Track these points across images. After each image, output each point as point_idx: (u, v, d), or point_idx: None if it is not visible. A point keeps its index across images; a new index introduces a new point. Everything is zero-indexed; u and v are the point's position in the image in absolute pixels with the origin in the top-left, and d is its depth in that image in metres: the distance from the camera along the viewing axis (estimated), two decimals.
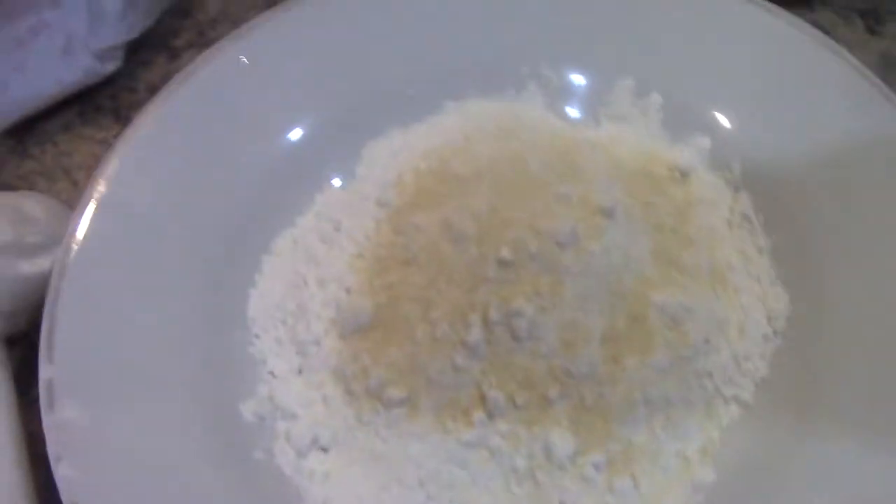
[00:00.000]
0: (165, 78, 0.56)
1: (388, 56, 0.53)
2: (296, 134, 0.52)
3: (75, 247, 0.45)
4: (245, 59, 0.52)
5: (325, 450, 0.44)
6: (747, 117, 0.51)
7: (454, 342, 0.42)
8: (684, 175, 0.50)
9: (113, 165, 0.48)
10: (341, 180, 0.52)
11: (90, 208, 0.46)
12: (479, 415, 0.42)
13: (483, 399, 0.42)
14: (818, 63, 0.50)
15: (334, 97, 0.53)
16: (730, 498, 0.41)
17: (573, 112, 0.54)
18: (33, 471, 0.45)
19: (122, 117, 0.59)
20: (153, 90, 0.59)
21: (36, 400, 0.41)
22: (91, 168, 0.56)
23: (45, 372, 0.41)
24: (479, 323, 0.42)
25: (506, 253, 0.42)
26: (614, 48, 0.53)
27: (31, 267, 0.46)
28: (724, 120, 0.51)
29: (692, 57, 0.52)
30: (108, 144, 0.57)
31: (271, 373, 0.46)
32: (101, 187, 0.47)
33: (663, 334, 0.43)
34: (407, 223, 0.46)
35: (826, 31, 0.58)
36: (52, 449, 0.40)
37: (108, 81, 0.61)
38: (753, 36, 0.52)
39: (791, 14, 0.51)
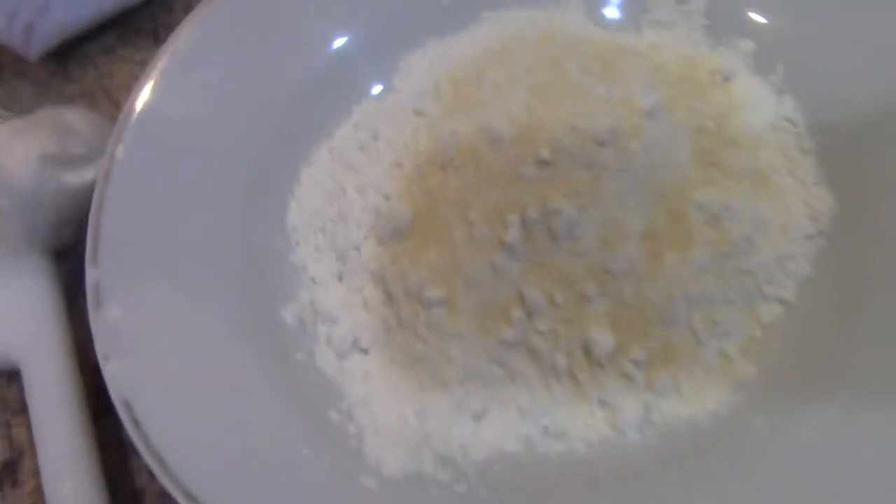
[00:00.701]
0: None
1: None
2: (332, 46, 0.52)
3: (119, 156, 0.46)
4: None
5: (365, 351, 0.44)
6: (791, 19, 0.49)
7: (493, 243, 0.42)
8: (727, 79, 0.49)
9: (154, 78, 0.48)
10: (379, 91, 0.52)
11: (132, 119, 0.47)
12: (518, 314, 0.42)
13: (522, 298, 0.42)
14: None
15: (371, 8, 0.53)
16: (770, 395, 0.41)
17: (614, 19, 0.53)
18: (84, 377, 0.46)
19: (161, 38, 0.59)
20: (191, 10, 0.60)
21: (84, 311, 0.42)
22: (131, 89, 0.57)
23: (91, 275, 0.42)
24: (518, 223, 0.42)
25: (544, 152, 0.42)
26: None
27: (75, 178, 0.47)
28: (767, 22, 0.50)
29: None
30: (147, 65, 0.58)
31: (312, 279, 0.47)
32: (142, 99, 0.47)
33: (703, 232, 0.42)
34: (444, 129, 0.46)
35: None
36: (99, 348, 0.41)
37: (147, 3, 0.61)
38: None
39: None
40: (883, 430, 0.37)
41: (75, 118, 0.49)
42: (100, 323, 0.41)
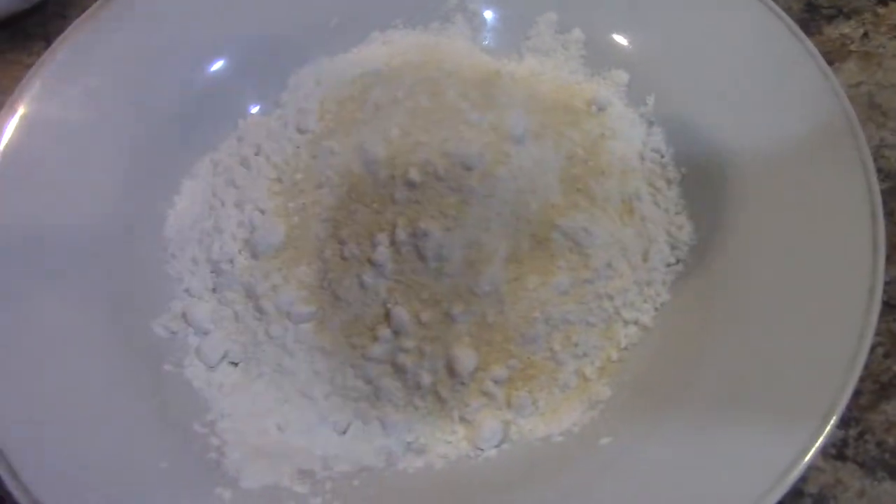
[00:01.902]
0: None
1: None
2: (222, 59, 0.52)
3: None
4: None
5: (234, 364, 0.45)
6: (664, 53, 0.52)
7: (362, 261, 0.43)
8: (601, 109, 0.51)
9: (35, 83, 0.48)
10: (265, 107, 0.53)
11: (8, 124, 0.46)
12: (384, 331, 0.43)
13: (388, 316, 0.43)
14: (735, 2, 0.50)
15: (262, 24, 0.53)
16: (620, 415, 0.42)
17: (497, 45, 0.55)
18: None
19: (52, 43, 0.59)
20: None
21: None
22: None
23: None
24: (386, 242, 0.43)
25: (413, 174, 0.43)
26: None
27: None
28: (641, 55, 0.52)
29: None
30: None
31: (186, 290, 0.47)
32: (20, 105, 0.47)
33: (566, 257, 0.44)
34: (322, 147, 0.47)
35: None
36: None
37: (39, 7, 0.60)
38: None
39: None
40: (721, 450, 0.39)
41: None
42: None
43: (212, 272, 0.47)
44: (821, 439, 0.37)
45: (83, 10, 0.59)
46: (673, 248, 0.47)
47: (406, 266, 0.43)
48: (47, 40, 0.60)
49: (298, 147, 0.49)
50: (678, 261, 0.47)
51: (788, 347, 0.41)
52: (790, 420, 0.39)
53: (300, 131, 0.50)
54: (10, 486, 0.37)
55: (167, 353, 0.45)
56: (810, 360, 0.40)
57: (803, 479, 0.42)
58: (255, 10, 0.53)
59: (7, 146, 0.46)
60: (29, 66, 0.57)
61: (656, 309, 0.46)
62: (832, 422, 0.38)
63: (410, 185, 0.43)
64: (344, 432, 0.43)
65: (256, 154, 0.50)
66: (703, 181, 0.48)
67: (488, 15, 0.55)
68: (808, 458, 0.37)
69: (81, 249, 0.45)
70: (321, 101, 0.51)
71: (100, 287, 0.45)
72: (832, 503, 0.43)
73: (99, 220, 0.46)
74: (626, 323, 0.45)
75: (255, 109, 0.53)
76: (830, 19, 0.58)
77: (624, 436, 0.41)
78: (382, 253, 0.43)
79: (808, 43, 0.48)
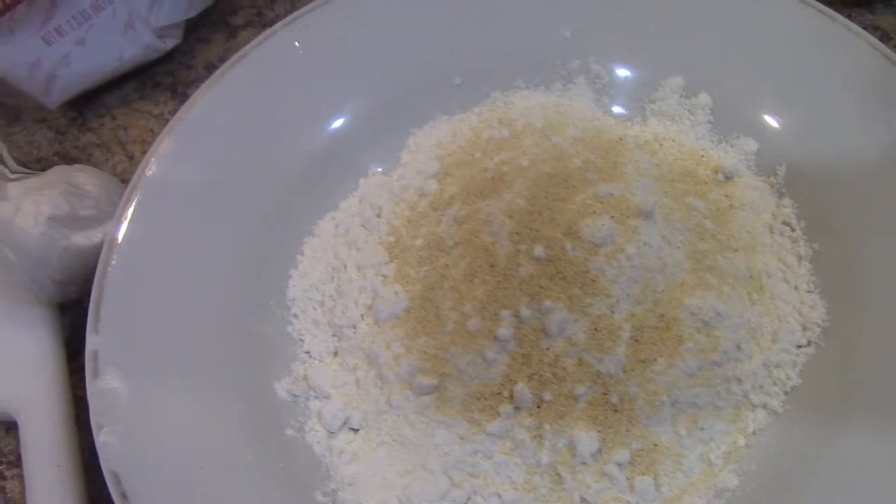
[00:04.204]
0: (223, 56, 0.57)
1: (438, 44, 0.54)
2: (344, 118, 0.53)
3: (125, 222, 0.47)
4: (298, 44, 0.53)
5: (354, 430, 0.45)
6: (795, 121, 0.50)
7: (485, 335, 0.43)
8: (728, 178, 0.50)
9: (165, 144, 0.49)
10: (385, 166, 0.53)
11: (142, 185, 0.48)
12: (505, 407, 0.43)
13: (510, 392, 0.43)
14: (870, 69, 0.49)
15: (383, 83, 0.54)
16: (750, 502, 0.41)
17: (621, 108, 0.54)
18: (80, 433, 0.47)
19: (179, 93, 0.61)
20: (210, 68, 0.61)
21: (83, 366, 0.43)
22: (146, 142, 0.58)
23: (91, 342, 0.43)
24: (511, 318, 0.43)
25: (539, 251, 0.43)
26: (665, 45, 0.53)
27: (83, 239, 0.48)
28: (771, 123, 0.51)
29: (743, 58, 0.52)
30: (163, 119, 0.59)
31: (307, 352, 0.47)
32: (153, 165, 0.49)
33: (694, 338, 0.43)
34: (446, 214, 0.47)
35: (887, 34, 0.58)
36: (94, 417, 0.42)
37: (167, 57, 0.62)
38: (806, 39, 0.51)
39: (846, 17, 0.50)
40: None
41: (86, 179, 0.50)
42: (96, 392, 0.42)
43: (333, 335, 0.47)
44: None
45: (208, 61, 0.61)
46: (804, 328, 0.46)
47: (530, 342, 0.43)
48: (174, 90, 0.62)
49: (419, 210, 0.49)
50: (809, 342, 0.45)
51: None
52: None
53: (421, 194, 0.50)
54: None
55: (289, 416, 0.45)
56: None
57: None
58: (377, 69, 0.54)
59: (139, 212, 0.47)
60: (156, 117, 0.59)
61: (786, 393, 0.44)
62: None
63: (536, 260, 0.43)
64: None
65: (378, 215, 0.50)
66: (837, 258, 0.47)
67: (611, 77, 0.54)
68: None
69: (208, 314, 0.46)
70: (442, 164, 0.51)
71: (225, 350, 0.45)
72: None
73: (227, 280, 0.47)
74: (754, 407, 0.44)
75: (376, 170, 0.53)
76: None
77: None
78: (506, 329, 0.42)
79: None
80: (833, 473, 0.41)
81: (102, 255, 0.46)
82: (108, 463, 0.40)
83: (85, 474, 0.46)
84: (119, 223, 0.47)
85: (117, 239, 0.46)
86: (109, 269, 0.45)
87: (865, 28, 0.53)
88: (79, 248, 0.48)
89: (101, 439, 0.41)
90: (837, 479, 0.41)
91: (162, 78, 0.62)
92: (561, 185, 0.46)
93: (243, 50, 0.52)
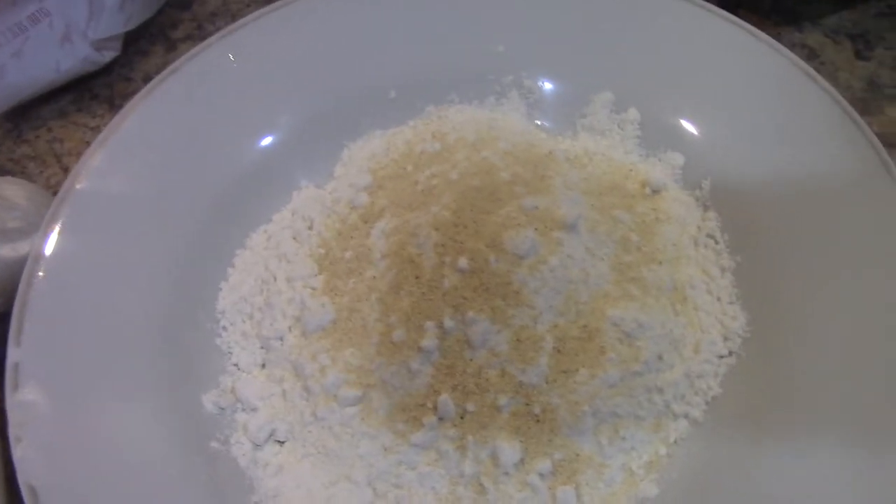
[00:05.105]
0: (162, 69, 0.57)
1: (374, 59, 0.55)
2: (278, 131, 0.53)
3: (52, 233, 0.46)
4: (232, 57, 0.53)
5: (280, 442, 0.45)
6: (721, 137, 0.51)
7: (409, 346, 0.43)
8: (655, 191, 0.51)
9: (96, 157, 0.49)
10: (319, 179, 0.53)
11: (69, 197, 0.47)
12: (429, 418, 0.43)
13: (434, 403, 0.43)
14: (795, 88, 0.50)
15: (317, 97, 0.54)
16: None
17: (552, 123, 0.55)
18: (3, 444, 0.47)
19: (117, 106, 0.61)
20: (149, 80, 0.61)
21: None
22: (82, 155, 0.58)
23: (12, 355, 0.43)
24: (435, 329, 0.43)
25: (463, 263, 0.43)
26: (596, 62, 0.54)
27: (10, 251, 0.48)
28: (698, 138, 0.51)
29: (672, 75, 0.52)
30: (100, 132, 0.58)
31: (236, 365, 0.47)
32: (82, 178, 0.48)
33: (616, 349, 0.44)
34: (374, 228, 0.47)
35: (814, 52, 0.59)
36: (12, 430, 0.41)
37: (105, 70, 0.62)
38: (734, 57, 0.52)
39: (771, 37, 0.51)
40: None
41: (14, 191, 0.49)
42: (14, 404, 0.42)
43: (261, 348, 0.47)
44: None
45: (147, 74, 0.61)
46: (725, 339, 0.46)
47: (454, 354, 0.43)
48: (111, 103, 0.61)
49: (349, 224, 0.49)
50: (730, 353, 0.46)
51: (847, 451, 0.40)
52: None
53: (352, 207, 0.50)
54: None
55: (215, 429, 0.45)
56: (871, 466, 0.39)
57: None
58: (313, 82, 0.54)
59: (67, 224, 0.47)
60: (93, 129, 0.59)
61: (707, 403, 0.45)
62: None
63: (461, 272, 0.43)
64: None
65: (309, 228, 0.50)
66: (758, 270, 0.47)
67: (543, 92, 0.55)
68: None
69: (135, 326, 0.46)
70: (374, 177, 0.51)
71: (152, 363, 0.45)
72: None
73: (156, 293, 0.47)
74: (675, 417, 0.45)
75: (309, 182, 0.53)
76: (893, 99, 0.57)
77: None
78: (431, 340, 0.43)
79: (866, 128, 0.47)
80: (753, 482, 0.41)
81: (27, 267, 0.45)
82: (26, 476, 0.40)
83: (7, 486, 0.45)
84: (46, 235, 0.46)
85: (43, 251, 0.46)
86: (34, 280, 0.45)
87: (793, 46, 0.54)
88: (5, 260, 0.47)
89: (19, 453, 0.40)
90: (757, 488, 0.41)
91: (100, 90, 0.62)
92: (487, 197, 0.46)
93: (177, 62, 0.52)
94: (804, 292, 0.46)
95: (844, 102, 0.48)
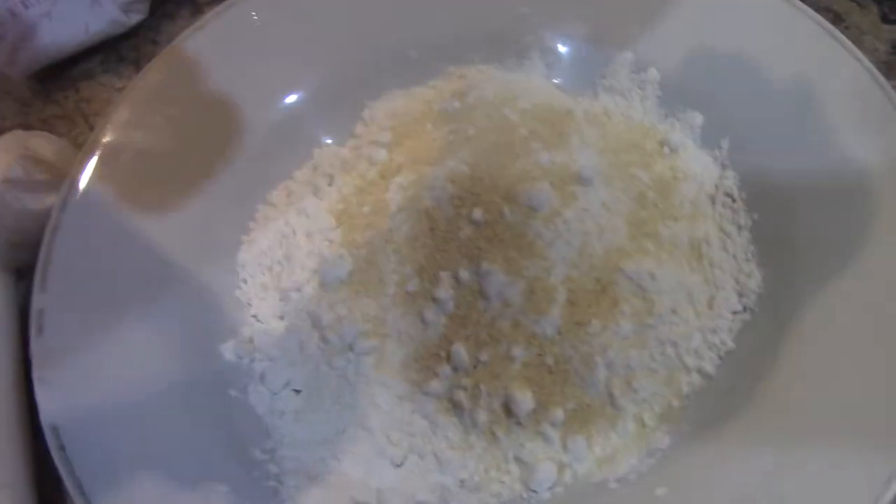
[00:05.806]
0: None
1: (395, 19, 0.55)
2: (299, 90, 0.54)
3: (78, 185, 0.47)
4: (255, 16, 0.54)
5: (297, 391, 0.46)
6: (741, 97, 0.51)
7: (424, 296, 0.44)
8: (673, 150, 0.51)
9: (121, 112, 0.50)
10: (340, 137, 0.54)
11: (96, 150, 0.48)
12: (443, 368, 0.43)
13: (448, 353, 0.43)
14: (819, 50, 0.49)
15: (339, 57, 0.54)
16: (682, 461, 0.42)
17: (572, 83, 0.55)
18: (31, 397, 0.48)
19: (143, 68, 0.61)
20: None
21: None
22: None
23: (37, 300, 0.44)
24: (449, 280, 0.43)
25: (478, 215, 0.44)
26: (617, 22, 0.54)
27: (37, 203, 0.49)
28: (718, 98, 0.51)
29: (692, 35, 0.52)
30: None
31: (255, 316, 0.48)
32: (107, 132, 0.49)
33: (629, 301, 0.44)
34: (392, 182, 0.48)
35: (839, 16, 0.59)
36: (36, 373, 0.42)
37: (132, 32, 0.63)
38: (757, 18, 0.51)
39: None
40: None
41: (42, 144, 0.50)
42: (38, 348, 0.43)
43: (280, 300, 0.48)
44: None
45: (173, 37, 0.61)
46: (740, 295, 0.46)
47: (468, 304, 0.43)
48: (138, 65, 0.62)
49: (369, 179, 0.50)
50: (745, 309, 0.46)
51: (857, 403, 0.40)
52: (857, 477, 0.38)
53: (371, 163, 0.50)
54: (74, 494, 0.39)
55: (234, 378, 0.46)
56: (880, 415, 0.39)
57: None
58: (332, 44, 0.54)
59: (93, 175, 0.48)
60: (119, 90, 0.60)
61: (720, 357, 0.45)
62: None
63: (475, 224, 0.44)
64: (399, 466, 0.43)
65: (329, 184, 0.51)
66: (774, 228, 0.47)
67: (564, 52, 0.55)
68: None
69: (156, 276, 0.47)
70: (394, 135, 0.51)
71: (172, 311, 0.46)
72: None
73: (178, 245, 0.48)
74: (688, 370, 0.45)
75: (330, 140, 0.54)
76: None
77: (681, 487, 0.40)
78: (445, 291, 0.43)
79: (890, 90, 0.47)
80: (765, 436, 0.41)
81: (53, 215, 0.46)
82: (47, 415, 0.41)
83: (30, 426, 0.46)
84: (71, 187, 0.47)
85: (69, 200, 0.47)
86: (59, 229, 0.46)
87: (818, 10, 0.54)
88: (33, 211, 0.49)
89: (41, 393, 0.42)
90: (769, 441, 0.41)
91: (127, 52, 0.63)
92: (504, 152, 0.46)
93: (201, 20, 0.53)
94: (819, 250, 0.45)
95: (869, 63, 0.48)
